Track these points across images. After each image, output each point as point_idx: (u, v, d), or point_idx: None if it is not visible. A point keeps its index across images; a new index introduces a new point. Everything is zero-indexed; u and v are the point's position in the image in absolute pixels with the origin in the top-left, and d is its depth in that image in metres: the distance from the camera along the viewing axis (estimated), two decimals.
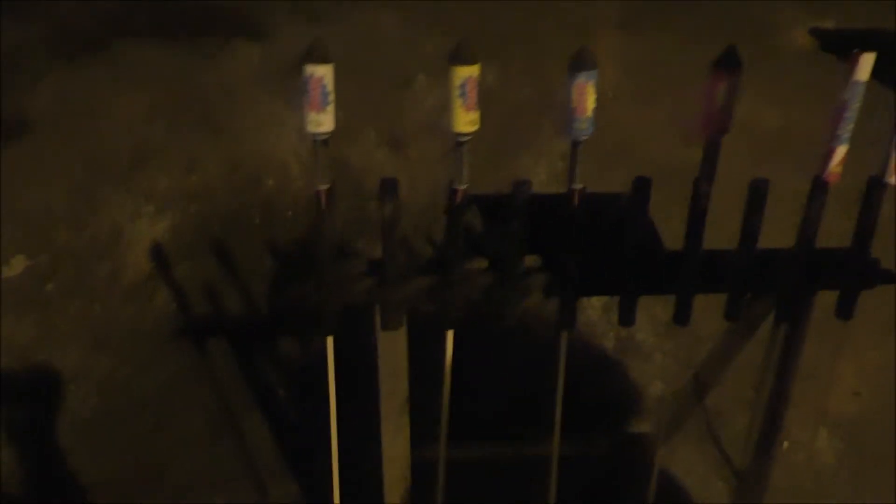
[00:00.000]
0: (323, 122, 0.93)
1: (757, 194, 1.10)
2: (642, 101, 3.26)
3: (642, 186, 1.07)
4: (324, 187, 0.99)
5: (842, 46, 4.02)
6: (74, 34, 3.68)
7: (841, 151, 1.06)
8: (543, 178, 2.83)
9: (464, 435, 1.37)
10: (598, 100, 0.97)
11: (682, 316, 1.15)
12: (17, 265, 2.32)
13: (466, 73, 0.92)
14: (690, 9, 4.02)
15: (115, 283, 2.29)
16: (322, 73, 0.90)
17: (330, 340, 1.10)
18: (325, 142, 0.96)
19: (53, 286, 2.27)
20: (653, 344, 2.13)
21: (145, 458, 1.82)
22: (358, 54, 3.55)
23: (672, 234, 1.28)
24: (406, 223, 2.64)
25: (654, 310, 2.20)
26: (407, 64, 3.48)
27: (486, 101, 0.99)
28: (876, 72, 1.04)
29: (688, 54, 3.72)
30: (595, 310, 2.24)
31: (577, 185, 1.03)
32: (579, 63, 0.93)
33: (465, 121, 0.94)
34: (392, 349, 1.12)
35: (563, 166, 2.89)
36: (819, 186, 1.11)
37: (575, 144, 1.00)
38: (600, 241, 1.12)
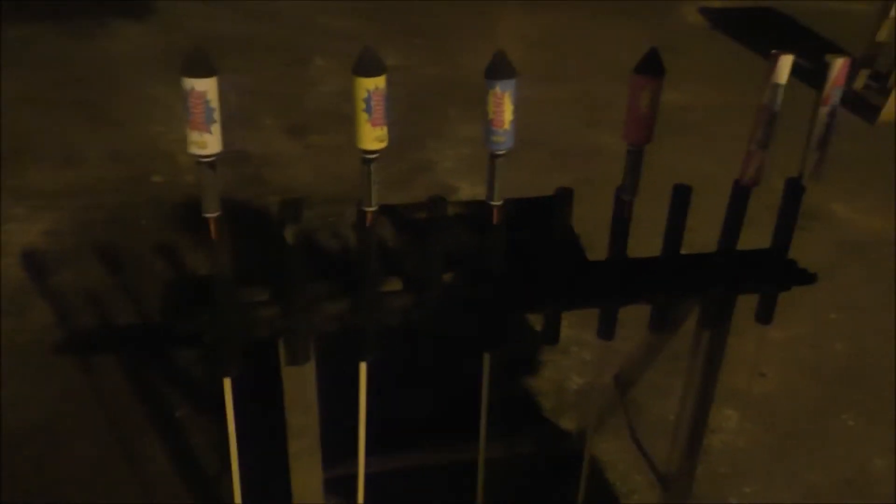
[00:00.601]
0: (207, 143, 0.80)
1: (680, 199, 1.06)
2: (545, 78, 3.23)
3: (564, 196, 1.01)
4: (213, 215, 0.86)
5: (730, 25, 4.12)
6: None
7: (762, 155, 1.03)
8: (450, 164, 2.75)
9: (386, 442, 1.29)
10: (515, 110, 0.89)
11: (607, 331, 1.10)
12: None
13: (371, 85, 0.82)
14: None
15: None
16: (204, 89, 0.78)
17: (227, 382, 0.99)
18: (211, 165, 0.83)
19: None
20: (568, 336, 2.10)
21: (32, 496, 1.64)
22: (253, 32, 3.36)
23: (578, 216, 1.22)
24: (310, 214, 2.50)
25: None
26: (306, 44, 3.32)
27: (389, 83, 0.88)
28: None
29: (585, 30, 3.72)
30: None
31: (497, 202, 0.95)
32: (495, 71, 0.85)
33: (372, 137, 0.84)
34: (300, 384, 1.01)
35: (469, 153, 2.82)
36: (739, 191, 1.08)
37: (493, 157, 0.91)
38: (522, 255, 1.05)
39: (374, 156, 0.86)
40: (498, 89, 0.84)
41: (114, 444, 1.73)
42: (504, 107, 0.86)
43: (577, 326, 2.12)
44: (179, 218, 2.37)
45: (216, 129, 0.80)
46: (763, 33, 3.92)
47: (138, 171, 2.53)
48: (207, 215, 0.86)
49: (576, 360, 2.05)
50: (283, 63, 3.17)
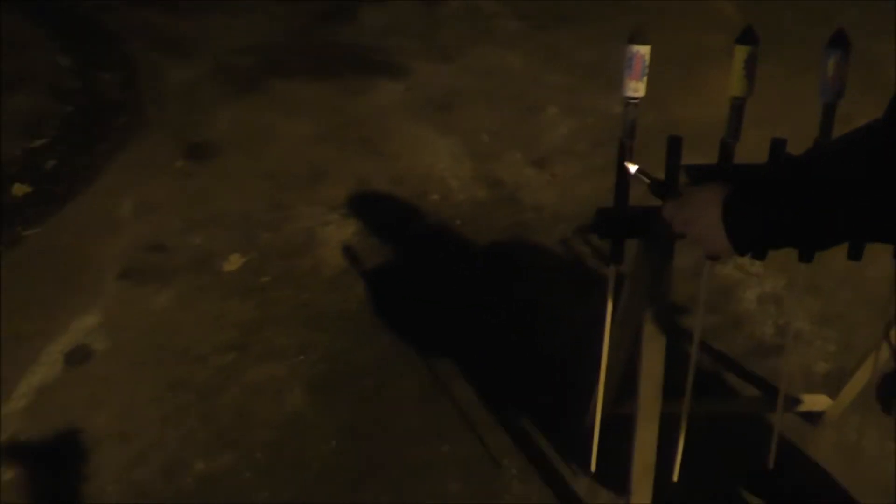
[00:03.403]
0: (639, 88, 1.21)
1: None
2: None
3: None
4: (630, 141, 1.27)
5: None
6: (235, 73, 4.15)
7: None
8: None
9: None
10: None
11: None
12: (234, 261, 2.68)
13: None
14: None
15: (318, 276, 2.61)
16: (644, 52, 1.19)
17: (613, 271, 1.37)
18: (636, 105, 1.24)
19: (266, 278, 2.61)
20: (810, 331, 2.33)
21: (370, 414, 2.10)
22: (490, 88, 3.92)
23: None
24: (563, 229, 2.91)
25: (807, 302, 2.41)
26: (535, 95, 3.82)
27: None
28: None
29: (791, 86, 3.95)
30: (751, 302, 2.46)
31: None
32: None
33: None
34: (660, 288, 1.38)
35: None
36: None
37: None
38: None
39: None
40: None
41: (431, 384, 2.18)
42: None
43: (818, 323, 2.36)
44: (457, 225, 2.87)
45: (645, 80, 1.21)
46: None
47: (417, 192, 3.07)
48: (625, 140, 1.26)
49: (819, 351, 2.27)
50: (521, 110, 3.68)
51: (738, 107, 1.25)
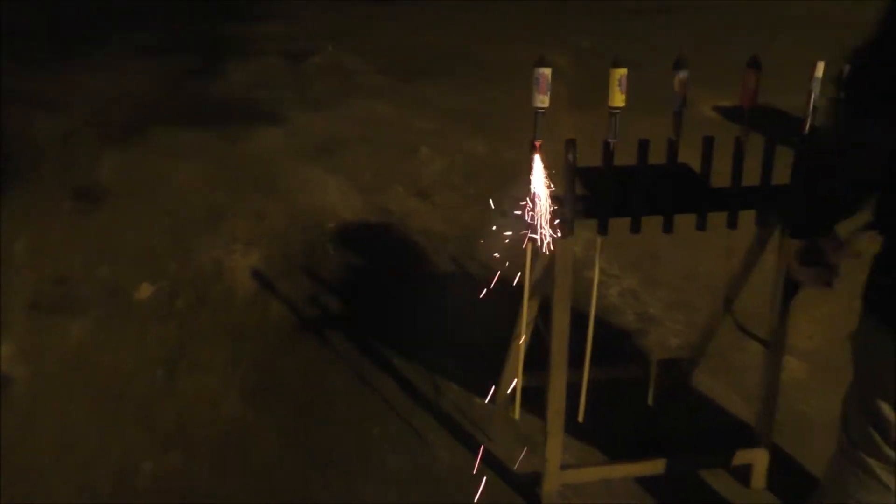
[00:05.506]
0: (545, 101, 1.60)
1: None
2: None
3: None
4: (539, 142, 1.65)
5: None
6: (112, 122, 4.21)
7: None
8: None
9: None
10: None
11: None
12: (145, 290, 2.79)
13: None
14: None
15: (233, 298, 2.78)
16: (547, 73, 1.58)
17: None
18: (543, 113, 1.63)
19: (181, 303, 2.74)
20: (661, 314, 2.83)
21: (305, 411, 2.31)
22: (366, 133, 4.27)
23: None
24: (452, 249, 3.27)
25: (657, 293, 2.91)
26: (408, 139, 4.22)
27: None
28: None
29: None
30: (614, 297, 2.94)
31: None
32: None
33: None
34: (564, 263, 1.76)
35: None
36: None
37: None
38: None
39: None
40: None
41: (356, 380, 2.42)
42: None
43: (667, 309, 2.86)
44: (355, 248, 3.15)
45: (549, 94, 1.60)
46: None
47: (314, 222, 3.32)
48: (536, 142, 1.64)
49: (670, 330, 2.77)
50: (397, 151, 4.05)
51: (615, 115, 1.67)
